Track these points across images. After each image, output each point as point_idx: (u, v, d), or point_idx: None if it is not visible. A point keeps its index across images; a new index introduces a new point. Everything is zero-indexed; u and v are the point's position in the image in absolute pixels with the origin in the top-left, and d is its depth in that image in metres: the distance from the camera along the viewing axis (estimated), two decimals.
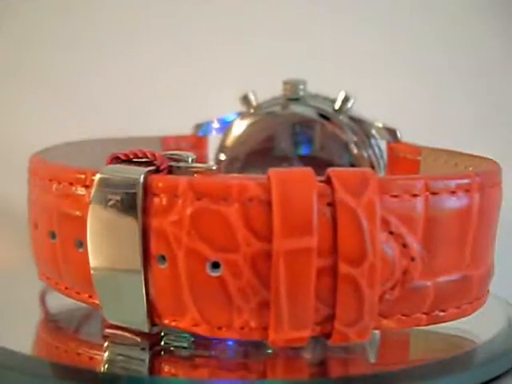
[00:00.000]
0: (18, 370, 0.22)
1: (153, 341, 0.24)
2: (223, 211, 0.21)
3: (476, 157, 0.29)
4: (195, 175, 0.22)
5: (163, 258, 0.22)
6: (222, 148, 0.36)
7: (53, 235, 0.25)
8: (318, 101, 0.36)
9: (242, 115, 0.36)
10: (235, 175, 0.22)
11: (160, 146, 0.36)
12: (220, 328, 0.22)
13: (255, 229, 0.21)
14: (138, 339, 0.24)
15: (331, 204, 0.21)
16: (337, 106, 0.35)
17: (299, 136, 0.36)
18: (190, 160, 0.23)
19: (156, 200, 0.22)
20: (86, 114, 0.44)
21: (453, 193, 0.23)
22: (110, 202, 0.22)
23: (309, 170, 0.21)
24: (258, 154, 0.36)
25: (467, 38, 0.47)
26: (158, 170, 0.23)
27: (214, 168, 0.22)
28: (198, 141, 0.37)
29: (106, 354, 0.24)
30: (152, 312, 0.23)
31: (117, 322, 0.24)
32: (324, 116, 0.35)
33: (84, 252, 0.24)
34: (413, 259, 0.22)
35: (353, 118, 0.35)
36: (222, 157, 0.36)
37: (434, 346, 0.27)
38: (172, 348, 0.24)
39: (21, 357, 0.23)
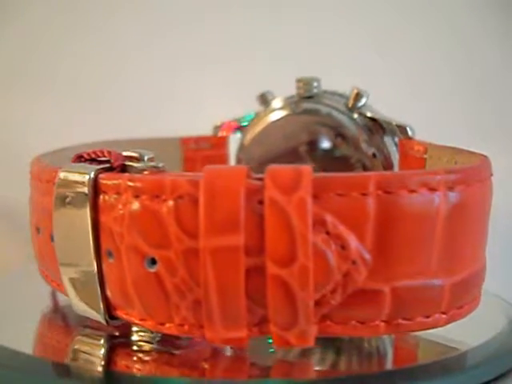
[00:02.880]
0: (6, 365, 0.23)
1: (122, 333, 0.25)
2: (157, 208, 0.21)
3: (475, 154, 0.27)
4: (145, 173, 0.23)
5: (110, 253, 0.23)
6: (241, 148, 0.37)
7: (38, 230, 0.27)
8: (333, 98, 0.35)
9: (258, 115, 0.36)
10: (172, 173, 0.22)
11: (179, 146, 0.37)
12: (163, 324, 0.22)
13: (185, 226, 0.21)
14: (115, 332, 0.25)
15: (262, 202, 0.21)
16: (350, 103, 0.34)
17: (312, 135, 0.35)
18: (145, 159, 0.23)
19: (104, 197, 0.23)
20: (95, 116, 0.45)
21: (412, 191, 0.22)
22: (68, 199, 0.23)
23: (242, 167, 0.21)
24: (273, 153, 0.36)
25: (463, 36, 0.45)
26: (112, 169, 0.23)
27: (160, 166, 0.23)
28: (217, 141, 0.38)
29: (71, 346, 0.25)
30: (108, 305, 0.24)
31: (82, 314, 0.25)
32: (337, 114, 0.34)
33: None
34: (354, 262, 0.21)
35: (365, 116, 0.34)
36: (242, 156, 0.36)
37: (429, 347, 0.26)
38: (139, 343, 0.25)
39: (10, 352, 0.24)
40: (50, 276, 0.27)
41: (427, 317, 0.23)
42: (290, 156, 0.35)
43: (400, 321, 0.22)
